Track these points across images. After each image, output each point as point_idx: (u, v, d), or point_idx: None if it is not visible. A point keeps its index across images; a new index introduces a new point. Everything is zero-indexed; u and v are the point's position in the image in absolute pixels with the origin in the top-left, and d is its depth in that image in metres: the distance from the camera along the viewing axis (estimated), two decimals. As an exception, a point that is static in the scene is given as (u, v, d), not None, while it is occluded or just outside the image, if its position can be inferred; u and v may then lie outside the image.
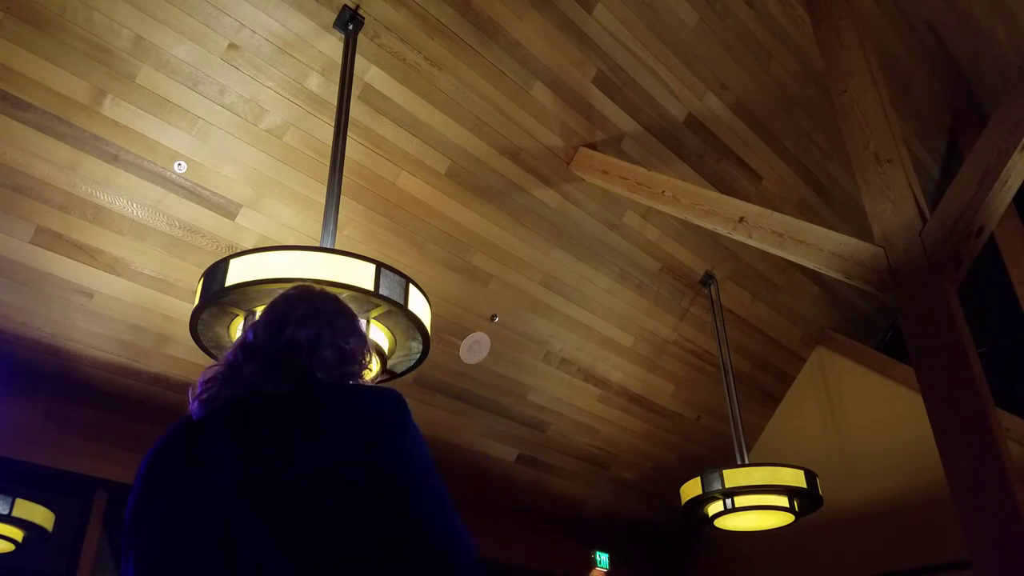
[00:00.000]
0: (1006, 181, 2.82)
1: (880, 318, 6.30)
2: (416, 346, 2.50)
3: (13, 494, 3.24)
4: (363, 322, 2.28)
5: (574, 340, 4.86)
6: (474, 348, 4.48)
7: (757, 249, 4.25)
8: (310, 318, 1.31)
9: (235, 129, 3.38)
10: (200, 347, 2.46)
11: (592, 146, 4.26)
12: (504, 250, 4.32)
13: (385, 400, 1.22)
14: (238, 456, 1.14)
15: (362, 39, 3.36)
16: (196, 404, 1.25)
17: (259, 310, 2.27)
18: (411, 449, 1.18)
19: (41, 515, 3.31)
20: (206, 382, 1.25)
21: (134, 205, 3.33)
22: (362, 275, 2.22)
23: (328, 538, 1.07)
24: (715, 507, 4.16)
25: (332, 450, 1.13)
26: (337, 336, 1.31)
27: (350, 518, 1.09)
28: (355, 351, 1.34)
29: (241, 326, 2.33)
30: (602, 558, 5.61)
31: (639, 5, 3.98)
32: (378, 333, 2.39)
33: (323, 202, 2.90)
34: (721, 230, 3.60)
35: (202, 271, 2.42)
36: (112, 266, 3.40)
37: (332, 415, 1.19)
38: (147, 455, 1.26)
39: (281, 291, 1.42)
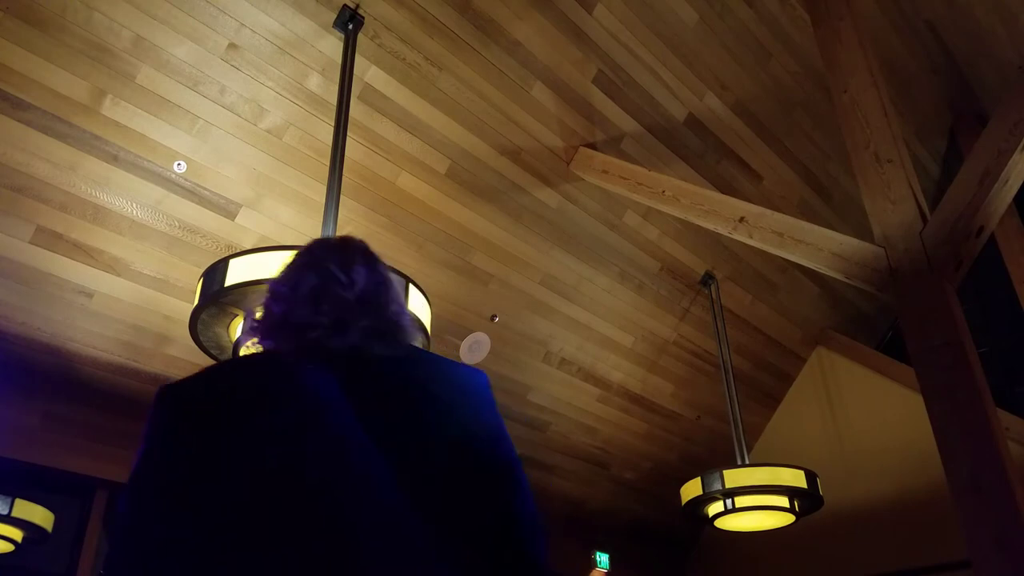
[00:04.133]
0: (1006, 181, 2.82)
1: (880, 318, 6.30)
2: (416, 346, 2.49)
3: (13, 494, 3.24)
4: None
5: (574, 340, 4.86)
6: (474, 348, 4.48)
7: (757, 249, 4.25)
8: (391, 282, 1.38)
9: (235, 129, 3.38)
10: (200, 347, 2.46)
11: (592, 146, 4.26)
12: (504, 250, 4.32)
13: (483, 376, 1.34)
14: (353, 393, 1.17)
15: (362, 39, 3.36)
16: (294, 346, 1.22)
17: (260, 312, 2.27)
18: (503, 428, 1.30)
19: (41, 515, 3.31)
20: (311, 327, 1.22)
21: (134, 205, 3.33)
22: (362, 275, 2.22)
23: (435, 463, 1.17)
24: (715, 507, 4.16)
25: (443, 396, 1.25)
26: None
27: (455, 454, 1.19)
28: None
29: (241, 326, 2.33)
30: (602, 558, 5.61)
31: (639, 5, 3.97)
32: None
33: (323, 202, 2.91)
34: (721, 230, 3.60)
35: (202, 271, 2.42)
36: (112, 266, 3.41)
37: (440, 373, 1.28)
38: (207, 378, 1.20)
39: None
